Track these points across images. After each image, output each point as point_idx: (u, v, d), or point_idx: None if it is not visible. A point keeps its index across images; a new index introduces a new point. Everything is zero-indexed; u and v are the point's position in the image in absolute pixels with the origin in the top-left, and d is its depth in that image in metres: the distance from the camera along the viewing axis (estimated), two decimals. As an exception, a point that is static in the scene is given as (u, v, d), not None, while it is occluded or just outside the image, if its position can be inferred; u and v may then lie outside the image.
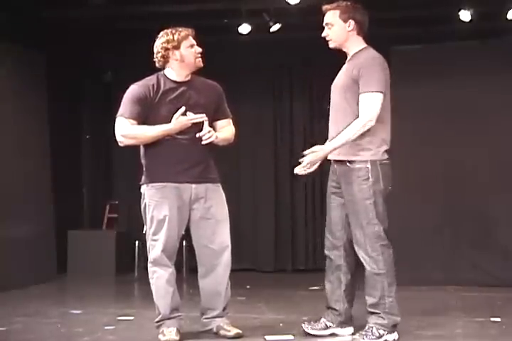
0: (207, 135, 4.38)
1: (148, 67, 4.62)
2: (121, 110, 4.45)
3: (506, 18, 6.98)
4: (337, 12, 4.42)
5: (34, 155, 7.35)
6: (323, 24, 4.47)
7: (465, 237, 6.94)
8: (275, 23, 7.36)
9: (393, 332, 4.35)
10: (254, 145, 8.55)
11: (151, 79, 4.50)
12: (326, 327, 4.56)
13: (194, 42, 4.51)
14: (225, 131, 4.61)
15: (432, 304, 5.88)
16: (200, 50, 4.52)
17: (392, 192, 7.32)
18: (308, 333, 4.56)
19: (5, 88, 6.94)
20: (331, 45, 4.49)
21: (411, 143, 7.13)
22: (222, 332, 4.53)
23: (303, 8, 6.71)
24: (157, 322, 4.52)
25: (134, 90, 4.46)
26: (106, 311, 5.65)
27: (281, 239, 8.46)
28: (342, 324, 4.54)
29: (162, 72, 4.54)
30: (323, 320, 4.59)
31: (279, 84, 8.59)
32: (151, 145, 4.46)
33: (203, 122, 4.40)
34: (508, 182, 6.90)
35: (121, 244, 8.14)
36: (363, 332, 4.34)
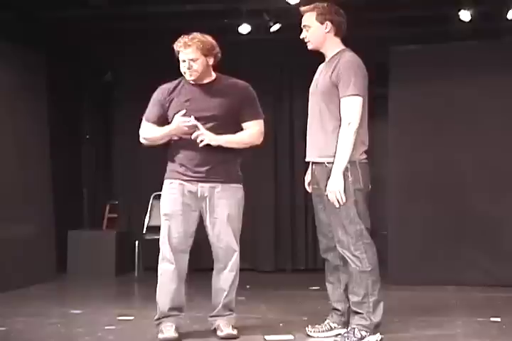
0: (200, 137, 4.44)
1: (148, 67, 4.64)
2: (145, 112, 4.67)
3: (506, 18, 6.98)
4: (314, 14, 4.42)
5: (34, 155, 7.35)
6: (301, 26, 4.48)
7: (465, 237, 6.93)
8: (275, 23, 7.36)
9: (376, 333, 4.32)
10: (254, 145, 8.53)
11: (172, 83, 4.65)
12: (331, 329, 4.55)
13: (187, 57, 4.49)
14: (240, 133, 4.59)
15: (432, 304, 5.87)
16: (187, 65, 4.50)
17: (392, 192, 7.34)
18: (312, 336, 4.54)
19: (5, 88, 6.94)
20: (309, 46, 4.50)
21: (410, 143, 7.13)
22: (218, 332, 4.56)
23: (303, 8, 6.70)
24: (156, 320, 4.54)
25: (155, 93, 4.67)
26: (106, 311, 5.65)
27: (281, 239, 8.46)
28: (346, 324, 4.50)
29: None
30: (327, 321, 4.58)
31: (279, 84, 8.59)
32: (170, 146, 4.62)
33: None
34: (509, 182, 6.89)
35: (121, 244, 8.12)
36: (345, 334, 4.32)
